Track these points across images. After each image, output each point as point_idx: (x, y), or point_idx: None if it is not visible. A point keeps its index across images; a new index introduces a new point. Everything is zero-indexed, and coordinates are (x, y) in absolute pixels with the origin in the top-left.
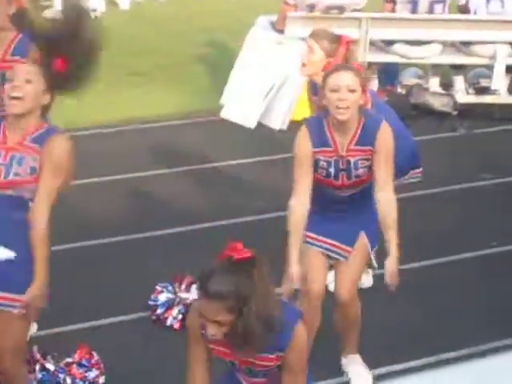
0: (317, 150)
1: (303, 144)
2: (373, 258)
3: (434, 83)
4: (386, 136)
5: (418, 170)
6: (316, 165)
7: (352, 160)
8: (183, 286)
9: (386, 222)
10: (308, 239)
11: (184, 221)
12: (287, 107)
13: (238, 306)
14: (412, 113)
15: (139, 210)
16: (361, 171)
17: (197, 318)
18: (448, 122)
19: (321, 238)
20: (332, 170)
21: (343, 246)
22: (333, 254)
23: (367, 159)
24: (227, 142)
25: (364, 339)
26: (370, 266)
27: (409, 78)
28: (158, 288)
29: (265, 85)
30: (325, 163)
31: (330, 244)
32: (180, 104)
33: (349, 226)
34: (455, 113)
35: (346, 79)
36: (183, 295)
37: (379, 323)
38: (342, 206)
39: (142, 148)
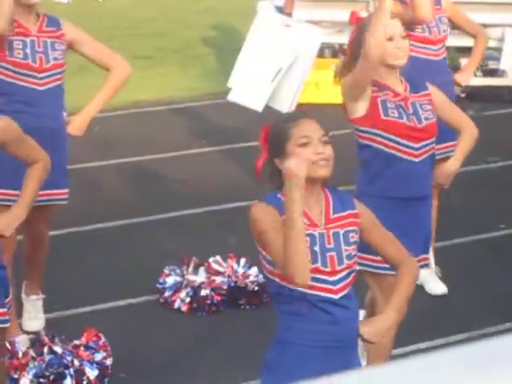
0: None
1: None
2: None
3: None
4: None
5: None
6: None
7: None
8: (191, 269)
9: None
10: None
11: (193, 203)
12: (295, 90)
13: None
14: None
15: (149, 192)
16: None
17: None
18: (457, 105)
19: None
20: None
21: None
22: None
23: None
24: (235, 125)
25: None
26: None
27: None
28: (166, 271)
29: (272, 67)
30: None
31: None
32: (187, 87)
33: None
34: (464, 95)
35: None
36: (191, 277)
37: None
38: None
39: (151, 131)
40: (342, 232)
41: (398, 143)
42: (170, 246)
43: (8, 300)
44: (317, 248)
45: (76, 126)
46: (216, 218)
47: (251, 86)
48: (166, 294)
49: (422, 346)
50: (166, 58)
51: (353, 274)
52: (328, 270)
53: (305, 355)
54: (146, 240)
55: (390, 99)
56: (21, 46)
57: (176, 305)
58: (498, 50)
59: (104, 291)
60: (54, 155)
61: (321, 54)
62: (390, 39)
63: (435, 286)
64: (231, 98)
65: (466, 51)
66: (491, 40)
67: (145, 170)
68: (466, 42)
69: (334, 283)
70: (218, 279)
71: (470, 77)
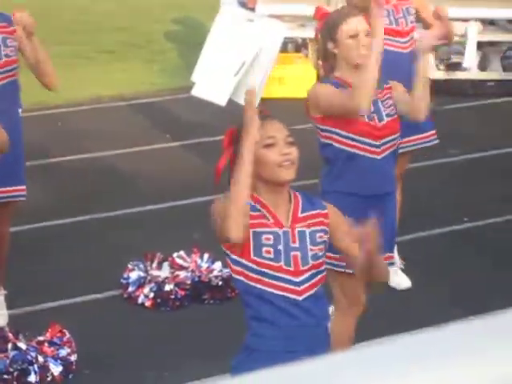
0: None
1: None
2: None
3: None
4: None
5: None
6: None
7: (379, 101)
8: (154, 264)
9: None
10: None
11: (156, 198)
12: (258, 84)
13: None
14: None
15: (112, 187)
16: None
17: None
18: None
19: None
20: None
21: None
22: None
23: None
24: (199, 120)
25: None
26: None
27: None
28: (130, 266)
29: (236, 62)
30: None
31: None
32: (150, 82)
33: None
34: None
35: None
36: (155, 273)
37: None
38: None
39: (114, 126)
40: (308, 231)
41: (359, 141)
42: (134, 242)
43: None
44: (280, 247)
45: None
46: (180, 214)
47: (214, 80)
48: (130, 289)
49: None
50: (129, 53)
51: (319, 276)
52: (291, 269)
53: (273, 361)
54: (109, 236)
55: None
56: None
57: (140, 300)
58: (462, 43)
59: (68, 287)
60: (10, 152)
61: (284, 49)
62: (354, 36)
63: (399, 280)
64: (194, 92)
65: None
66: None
67: (108, 166)
68: None
69: (298, 284)
70: (182, 274)
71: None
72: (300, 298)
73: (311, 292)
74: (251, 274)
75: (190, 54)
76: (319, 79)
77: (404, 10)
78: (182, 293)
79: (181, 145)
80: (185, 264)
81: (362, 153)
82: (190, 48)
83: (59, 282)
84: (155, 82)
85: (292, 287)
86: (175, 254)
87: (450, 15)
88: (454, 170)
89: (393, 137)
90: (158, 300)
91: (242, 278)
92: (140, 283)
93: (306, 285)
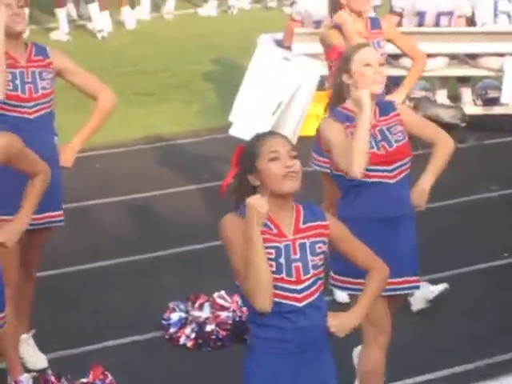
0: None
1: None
2: None
3: (442, 95)
4: None
5: None
6: None
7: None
8: (196, 305)
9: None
10: None
11: (196, 238)
12: (296, 122)
13: None
14: None
15: (150, 228)
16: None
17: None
18: (457, 134)
19: None
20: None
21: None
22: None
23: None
24: None
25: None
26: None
27: (416, 91)
28: (171, 306)
29: (273, 101)
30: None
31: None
32: (188, 122)
33: None
34: (464, 124)
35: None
36: (196, 313)
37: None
38: None
39: (153, 167)
40: (308, 243)
41: (371, 170)
42: (174, 282)
43: (2, 316)
44: (282, 260)
45: (64, 157)
46: (219, 253)
47: (252, 119)
48: (171, 330)
49: (426, 377)
50: (168, 94)
51: (319, 282)
52: (293, 279)
53: (269, 361)
54: (149, 277)
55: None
56: (10, 78)
57: (181, 341)
58: (498, 79)
59: (110, 328)
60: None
61: (320, 87)
62: (368, 65)
63: (432, 288)
64: (232, 132)
65: (467, 81)
66: (490, 69)
67: (146, 207)
68: (469, 71)
69: (299, 291)
70: (223, 314)
71: (401, 98)
72: (300, 305)
73: (311, 299)
74: None
75: (228, 95)
76: (329, 110)
77: (375, 42)
78: (224, 333)
79: (218, 185)
80: (226, 304)
81: (374, 179)
82: (227, 88)
83: (101, 324)
84: (193, 123)
85: (292, 295)
86: (216, 294)
87: (486, 50)
88: (492, 205)
89: (405, 161)
90: (200, 340)
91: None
92: (181, 324)
93: (307, 292)
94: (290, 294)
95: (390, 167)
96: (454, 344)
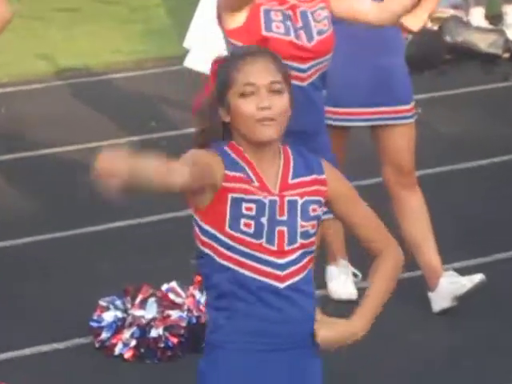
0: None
1: None
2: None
3: (478, 15)
4: None
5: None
6: None
7: (308, 11)
8: (137, 301)
9: None
10: None
11: (138, 211)
12: None
13: (290, 90)
14: (448, 56)
15: (76, 197)
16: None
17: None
18: (497, 68)
19: None
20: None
21: None
22: None
23: None
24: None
25: None
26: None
27: (442, 8)
28: (103, 303)
29: None
30: None
31: None
32: (129, 50)
33: None
34: (507, 55)
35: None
36: (137, 313)
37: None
38: None
39: (80, 112)
40: (300, 201)
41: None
42: (107, 269)
43: None
44: (264, 219)
45: None
46: (170, 231)
47: (214, 48)
48: (104, 335)
49: None
50: (99, 11)
51: (308, 257)
52: (274, 248)
53: (241, 362)
54: (72, 261)
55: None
56: None
57: (117, 350)
58: None
59: (19, 333)
60: None
61: None
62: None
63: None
64: (188, 63)
65: None
66: None
67: (70, 166)
68: None
69: (280, 267)
70: (174, 314)
71: (419, 23)
72: (282, 286)
73: (297, 278)
74: (223, 250)
75: (182, 11)
76: None
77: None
78: (175, 340)
79: (170, 136)
80: (178, 300)
81: None
82: (181, 2)
83: (6, 327)
84: (135, 50)
85: (273, 271)
86: (164, 287)
87: None
88: None
89: (322, 59)
90: (142, 350)
91: (211, 253)
92: (117, 327)
93: (292, 269)
94: (270, 270)
95: (305, 66)
96: (492, 358)
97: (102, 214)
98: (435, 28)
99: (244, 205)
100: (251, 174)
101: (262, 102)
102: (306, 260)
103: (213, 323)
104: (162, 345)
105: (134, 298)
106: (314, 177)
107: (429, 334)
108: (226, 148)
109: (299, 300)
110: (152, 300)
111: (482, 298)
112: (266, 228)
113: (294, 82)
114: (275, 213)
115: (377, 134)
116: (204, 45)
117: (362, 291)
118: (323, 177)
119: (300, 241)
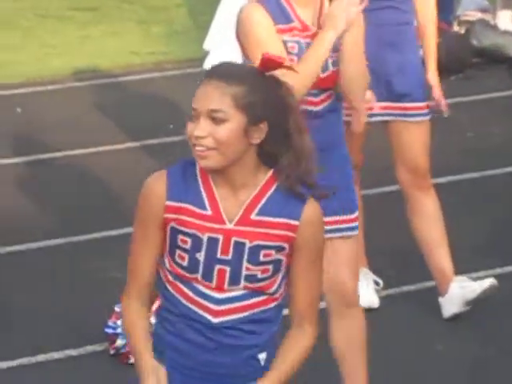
0: (281, 27)
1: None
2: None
3: (505, 18)
4: None
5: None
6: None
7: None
8: (154, 306)
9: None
10: None
11: None
12: None
13: (256, 113)
14: (475, 60)
15: (90, 199)
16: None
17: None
18: None
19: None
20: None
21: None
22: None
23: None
24: None
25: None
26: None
27: (470, 12)
28: (118, 310)
29: None
30: (295, 45)
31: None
32: (147, 51)
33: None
34: None
35: None
36: (153, 320)
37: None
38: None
39: (97, 113)
40: (249, 245)
41: None
42: (123, 275)
43: None
44: (200, 256)
45: None
46: None
47: (235, 50)
48: (119, 342)
49: None
50: (117, 10)
51: (256, 299)
52: (212, 285)
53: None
54: (88, 267)
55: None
56: None
57: (132, 358)
58: None
59: (31, 339)
60: None
61: None
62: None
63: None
64: (208, 66)
65: None
66: None
67: (86, 168)
68: None
69: (217, 302)
70: None
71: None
72: (214, 321)
73: (236, 316)
74: (165, 272)
75: (202, 13)
76: None
77: None
78: None
79: (185, 140)
80: None
81: None
82: (202, 3)
83: (13, 334)
84: (154, 52)
85: (207, 304)
86: None
87: None
88: None
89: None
90: None
91: (159, 268)
92: None
93: (229, 306)
94: (205, 302)
95: (317, 90)
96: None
97: (118, 219)
98: (462, 32)
99: (180, 236)
100: (205, 200)
101: (194, 130)
102: (252, 301)
103: (154, 327)
104: None
105: (150, 303)
106: (283, 220)
107: (452, 345)
108: (185, 166)
109: (233, 339)
110: None
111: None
112: (201, 264)
113: (308, 107)
114: (215, 250)
115: (390, 132)
116: (224, 47)
117: (383, 299)
118: (296, 223)
119: (244, 283)
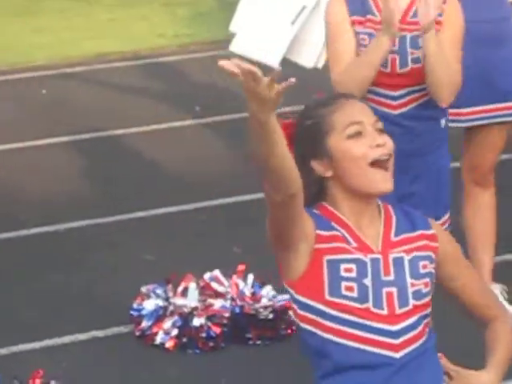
0: (356, 18)
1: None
2: None
3: None
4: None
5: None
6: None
7: (408, 35)
8: (179, 289)
9: None
10: None
11: (182, 196)
12: (323, 38)
13: None
14: None
15: (118, 182)
16: (421, 53)
17: None
18: None
19: None
20: None
21: None
22: None
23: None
24: (240, 87)
25: None
26: None
27: None
28: (143, 291)
29: (292, 6)
30: (367, 37)
31: None
32: (173, 33)
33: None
34: None
35: None
36: (179, 301)
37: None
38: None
39: (124, 95)
40: (407, 258)
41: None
42: (150, 257)
43: None
44: (367, 281)
45: None
46: (213, 218)
47: (262, 31)
48: (144, 323)
49: None
50: None
51: (425, 322)
52: (384, 313)
53: None
54: (114, 249)
55: (365, 29)
56: None
57: (158, 339)
58: None
59: (53, 320)
60: None
61: None
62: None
63: None
64: (234, 48)
65: None
66: None
67: (114, 151)
68: None
69: (394, 335)
70: (217, 303)
71: None
72: (397, 356)
73: (414, 346)
74: (326, 323)
75: None
76: None
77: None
78: (218, 330)
79: (214, 122)
80: (221, 289)
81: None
82: None
83: (41, 315)
84: (179, 34)
85: (386, 340)
86: (207, 275)
87: None
88: None
89: (415, 88)
90: (184, 339)
91: (313, 328)
92: (158, 316)
93: (407, 336)
94: (383, 339)
95: (395, 93)
96: None
97: (148, 200)
98: None
99: (342, 266)
100: (347, 236)
101: (374, 140)
102: (422, 325)
103: None
104: (204, 334)
105: (175, 287)
106: (420, 232)
107: None
108: (315, 211)
109: (418, 374)
110: (194, 289)
111: None
112: (370, 290)
113: (384, 109)
114: (379, 273)
115: (479, 133)
116: (251, 29)
117: None
118: (432, 232)
119: (413, 302)
